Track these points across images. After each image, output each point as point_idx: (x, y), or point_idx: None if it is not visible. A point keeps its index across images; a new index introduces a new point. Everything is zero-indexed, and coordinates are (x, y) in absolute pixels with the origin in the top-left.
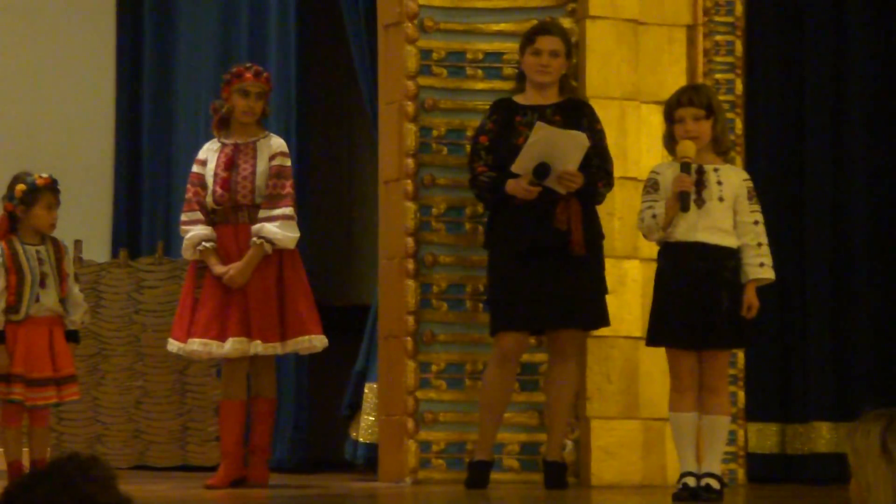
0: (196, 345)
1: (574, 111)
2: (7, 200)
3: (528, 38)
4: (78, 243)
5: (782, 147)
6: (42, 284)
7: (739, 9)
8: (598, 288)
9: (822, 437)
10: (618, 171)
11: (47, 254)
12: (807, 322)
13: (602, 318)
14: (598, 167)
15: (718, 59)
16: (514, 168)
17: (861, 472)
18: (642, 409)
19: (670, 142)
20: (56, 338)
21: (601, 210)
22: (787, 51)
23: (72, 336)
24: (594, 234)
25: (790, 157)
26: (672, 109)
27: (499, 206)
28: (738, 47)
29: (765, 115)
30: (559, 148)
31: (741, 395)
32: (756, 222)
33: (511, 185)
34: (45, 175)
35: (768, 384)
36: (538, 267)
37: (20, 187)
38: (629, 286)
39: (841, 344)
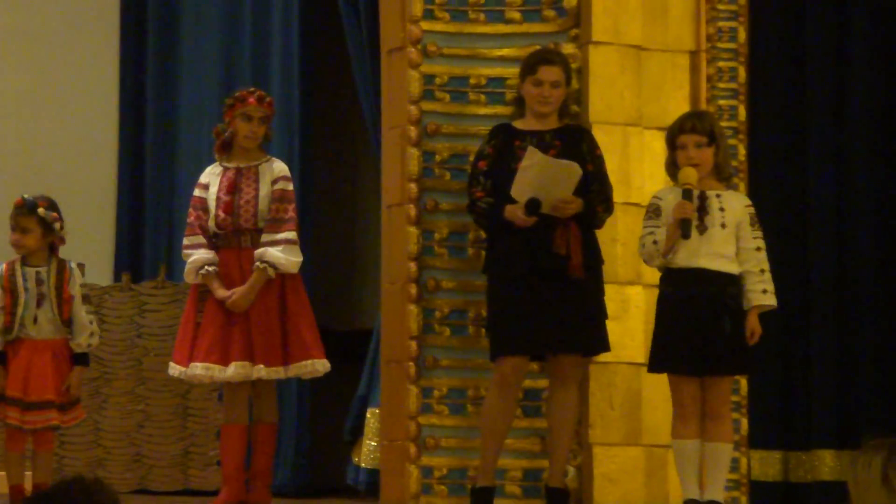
0: (199, 369)
1: (573, 136)
2: None
3: (529, 67)
4: (80, 266)
5: (785, 173)
6: (38, 305)
7: (742, 35)
8: (598, 313)
9: (826, 464)
10: (620, 197)
11: (48, 275)
12: (810, 349)
13: (602, 344)
14: (597, 192)
15: (721, 85)
16: (513, 193)
17: (862, 502)
18: (645, 436)
19: (672, 168)
20: (60, 361)
21: (604, 236)
22: (789, 77)
23: (79, 359)
24: (594, 259)
25: (793, 183)
26: (674, 136)
27: (498, 231)
28: (742, 73)
29: (768, 141)
30: (552, 176)
31: (744, 422)
32: (758, 248)
33: (509, 212)
34: (20, 196)
35: (771, 411)
36: (537, 291)
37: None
38: (632, 312)
39: (845, 371)
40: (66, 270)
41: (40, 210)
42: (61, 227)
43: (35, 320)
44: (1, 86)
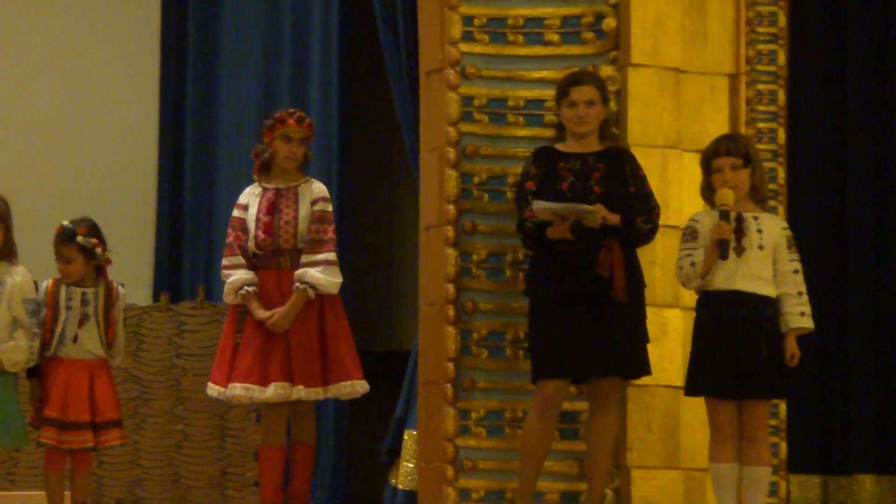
0: (238, 389)
1: (616, 159)
2: None
3: (562, 91)
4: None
5: (825, 196)
6: (81, 325)
7: (782, 58)
8: (640, 336)
9: (866, 489)
10: (660, 220)
11: (94, 297)
12: (850, 373)
13: (643, 367)
14: (637, 208)
15: (761, 108)
16: (540, 216)
17: None
18: (683, 459)
19: (708, 192)
20: (98, 382)
21: (642, 258)
22: (829, 100)
23: None
24: (636, 282)
25: (833, 206)
26: (709, 159)
27: (544, 251)
28: (781, 96)
29: (807, 164)
30: (568, 210)
31: (783, 446)
32: (796, 271)
33: (552, 231)
34: (60, 224)
35: (811, 435)
36: (580, 314)
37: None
38: (671, 335)
39: (885, 395)
40: (113, 294)
41: (79, 238)
42: (104, 251)
43: (75, 339)
44: (41, 106)
